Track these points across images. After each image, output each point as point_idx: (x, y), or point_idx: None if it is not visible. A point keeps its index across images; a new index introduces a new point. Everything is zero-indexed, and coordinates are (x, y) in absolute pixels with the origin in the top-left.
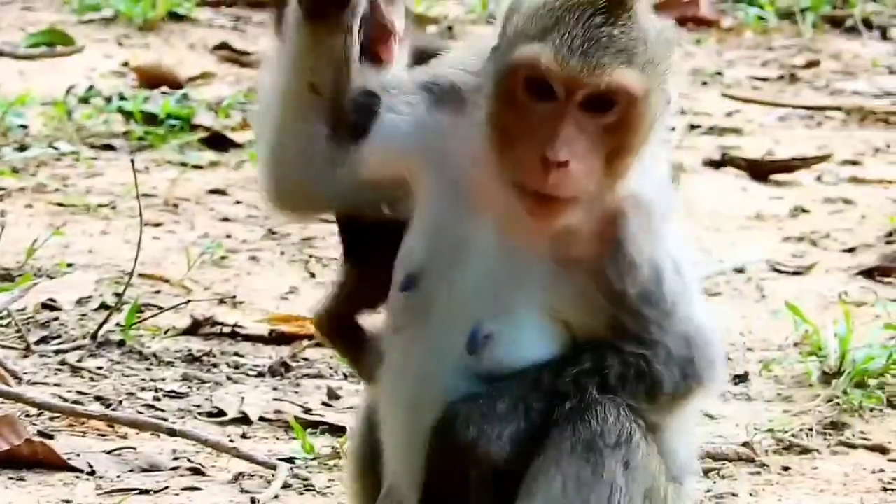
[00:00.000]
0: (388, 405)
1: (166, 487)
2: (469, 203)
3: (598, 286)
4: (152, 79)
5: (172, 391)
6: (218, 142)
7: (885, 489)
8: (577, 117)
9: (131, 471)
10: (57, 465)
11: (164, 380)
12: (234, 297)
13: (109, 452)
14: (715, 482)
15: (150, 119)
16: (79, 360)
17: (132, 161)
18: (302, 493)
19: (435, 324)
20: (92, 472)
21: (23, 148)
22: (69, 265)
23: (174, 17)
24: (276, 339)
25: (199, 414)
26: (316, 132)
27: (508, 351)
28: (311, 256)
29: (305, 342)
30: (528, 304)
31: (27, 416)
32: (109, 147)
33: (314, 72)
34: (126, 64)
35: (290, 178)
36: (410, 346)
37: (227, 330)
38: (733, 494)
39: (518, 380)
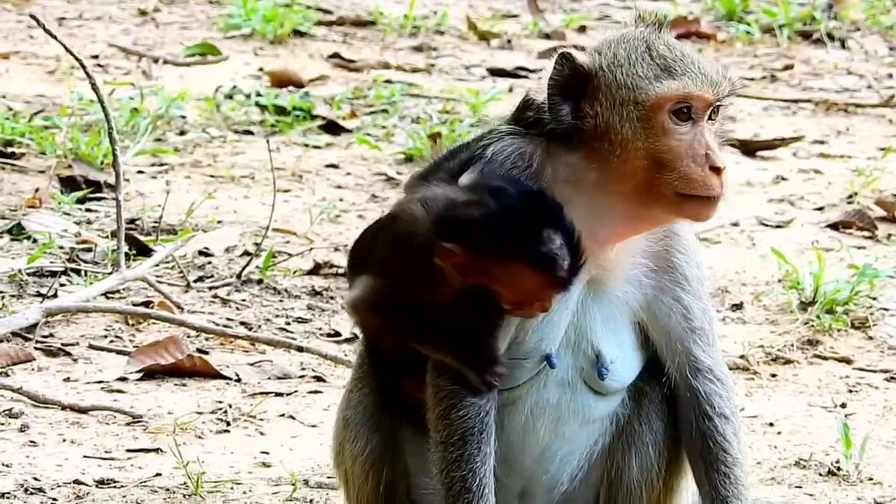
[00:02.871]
0: (523, 434)
1: (295, 391)
2: None
3: (669, 279)
4: (281, 80)
5: (300, 317)
6: (332, 128)
7: (850, 391)
8: (709, 129)
9: (269, 378)
10: (211, 374)
11: (293, 309)
12: (346, 245)
13: (252, 364)
14: None
15: (280, 111)
16: (227, 294)
17: (267, 142)
18: None
19: (562, 368)
20: (238, 380)
21: (182, 133)
22: (219, 222)
23: (297, 33)
24: None
25: (321, 335)
26: None
27: (623, 368)
28: None
29: None
30: (624, 326)
31: (188, 337)
32: (249, 132)
33: None
34: (261, 69)
35: None
36: (538, 390)
37: (341, 271)
38: None
39: None
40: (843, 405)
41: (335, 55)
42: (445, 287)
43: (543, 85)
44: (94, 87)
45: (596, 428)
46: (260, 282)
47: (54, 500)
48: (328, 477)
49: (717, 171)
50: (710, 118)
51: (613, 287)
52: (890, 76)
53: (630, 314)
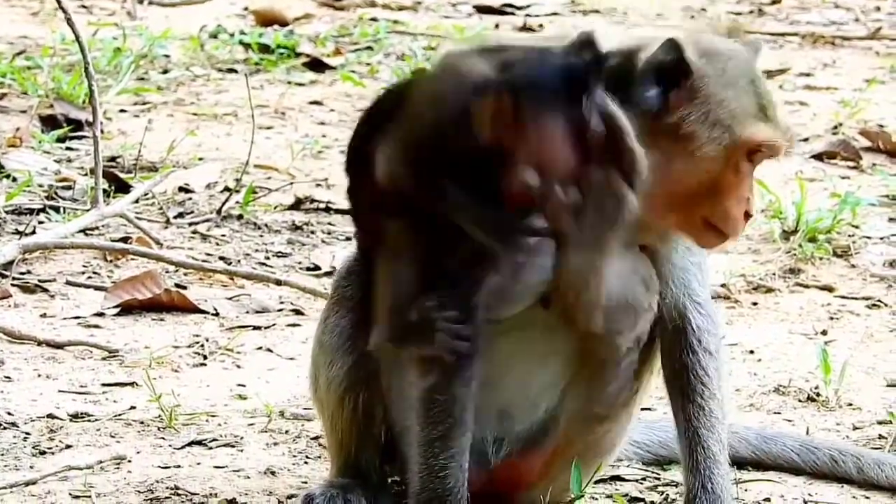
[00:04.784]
0: (507, 363)
1: (274, 324)
2: None
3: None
4: (266, 19)
5: (279, 252)
6: (316, 65)
7: (830, 318)
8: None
9: (247, 312)
10: (189, 308)
11: (273, 243)
12: (327, 179)
13: (230, 298)
14: None
15: (264, 49)
16: (207, 230)
17: (246, 77)
18: None
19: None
20: (216, 314)
21: (165, 72)
22: (200, 159)
23: None
24: None
25: (300, 269)
26: None
27: None
28: None
29: None
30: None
31: (167, 272)
32: (232, 70)
33: None
34: (246, 8)
35: None
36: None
37: (322, 206)
38: None
39: None
40: (824, 332)
41: None
42: (473, 140)
43: (616, 37)
44: (70, 22)
45: (578, 360)
46: (240, 217)
47: (27, 434)
48: (304, 408)
49: (747, 216)
50: None
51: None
52: (877, 9)
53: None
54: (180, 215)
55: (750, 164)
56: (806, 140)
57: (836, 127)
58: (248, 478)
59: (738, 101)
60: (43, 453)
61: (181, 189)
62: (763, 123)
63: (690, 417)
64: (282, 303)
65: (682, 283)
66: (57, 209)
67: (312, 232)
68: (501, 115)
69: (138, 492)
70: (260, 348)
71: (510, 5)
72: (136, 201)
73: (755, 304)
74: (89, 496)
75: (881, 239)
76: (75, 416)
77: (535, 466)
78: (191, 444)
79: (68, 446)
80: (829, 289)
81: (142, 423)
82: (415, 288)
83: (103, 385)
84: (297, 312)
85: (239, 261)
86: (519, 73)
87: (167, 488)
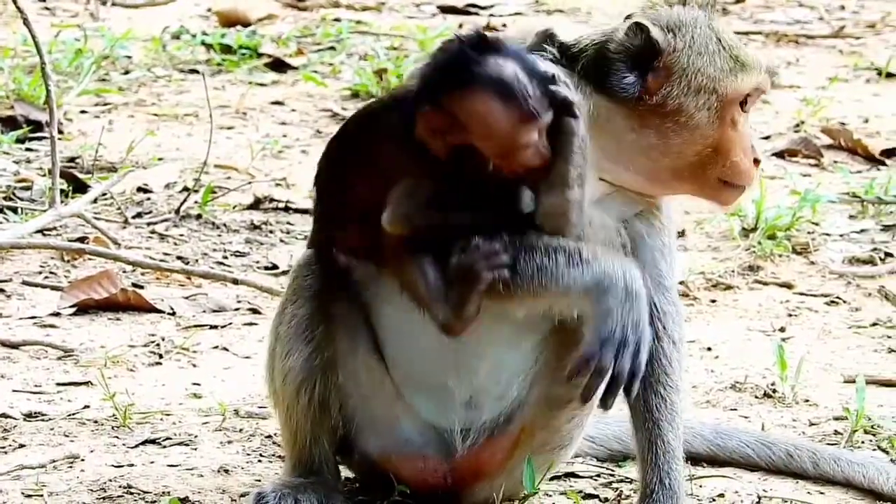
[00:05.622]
0: (481, 343)
1: (230, 323)
2: None
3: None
4: (229, 20)
5: (237, 251)
6: (278, 65)
7: (789, 315)
8: None
9: (204, 311)
10: (145, 308)
11: (231, 243)
12: (286, 179)
13: (187, 298)
14: None
15: (226, 49)
16: (165, 230)
17: (203, 76)
18: None
19: None
20: (173, 313)
21: (127, 72)
22: (160, 159)
23: None
24: None
25: (258, 268)
26: None
27: None
28: None
29: None
30: None
31: (124, 272)
32: (194, 71)
33: None
34: (209, 9)
35: None
36: None
37: (281, 205)
38: None
39: None
40: (783, 329)
41: None
42: (438, 162)
43: (585, 29)
44: (26, 22)
45: (549, 342)
46: (199, 217)
47: None
48: (259, 407)
49: (756, 162)
50: None
51: (593, 218)
52: (842, 8)
53: (606, 238)
54: (139, 215)
55: (744, 113)
56: (768, 138)
57: (798, 125)
58: (202, 476)
59: (713, 63)
60: None
61: (140, 189)
62: (742, 73)
63: (652, 408)
64: (239, 302)
65: (651, 264)
66: (15, 209)
67: (271, 231)
68: (438, 124)
69: (91, 490)
70: (216, 347)
71: (474, 5)
72: (95, 201)
73: (714, 301)
74: (42, 495)
75: (841, 236)
76: (29, 416)
77: (498, 455)
78: (144, 442)
79: (21, 445)
80: (788, 286)
81: (96, 422)
82: (440, 266)
83: (58, 384)
84: (254, 311)
85: (197, 260)
86: (422, 73)
87: (120, 487)
